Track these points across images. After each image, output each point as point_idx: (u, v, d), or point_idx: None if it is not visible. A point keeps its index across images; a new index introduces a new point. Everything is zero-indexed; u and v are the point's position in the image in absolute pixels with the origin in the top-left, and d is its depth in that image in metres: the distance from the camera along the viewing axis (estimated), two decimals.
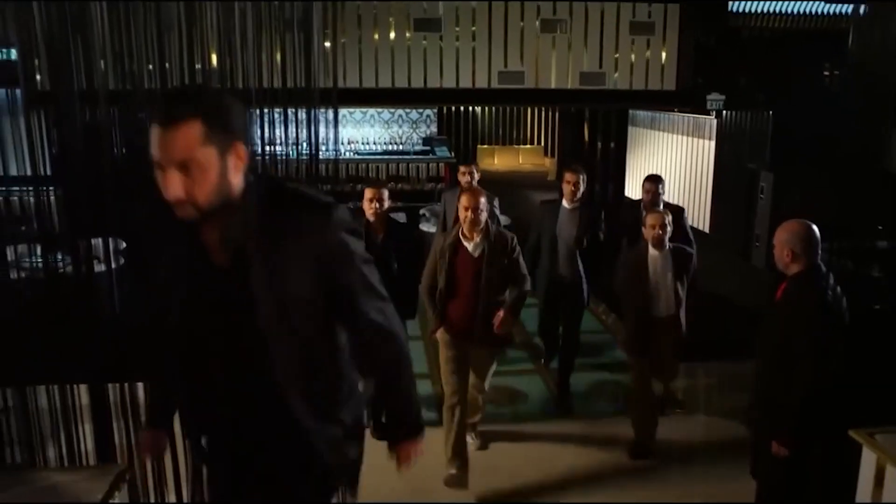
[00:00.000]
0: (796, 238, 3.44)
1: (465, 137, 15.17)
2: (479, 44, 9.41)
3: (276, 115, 3.80)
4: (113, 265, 3.74)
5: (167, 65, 3.78)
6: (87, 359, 3.63)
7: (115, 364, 3.67)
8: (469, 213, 4.56)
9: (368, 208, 5.08)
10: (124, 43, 3.65)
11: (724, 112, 10.83)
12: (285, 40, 3.87)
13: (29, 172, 3.69)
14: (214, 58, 3.81)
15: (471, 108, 15.75)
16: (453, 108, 14.44)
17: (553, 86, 9.38)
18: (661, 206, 6.04)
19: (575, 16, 9.28)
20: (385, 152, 13.99)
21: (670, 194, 8.75)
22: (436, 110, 14.89)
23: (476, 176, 7.06)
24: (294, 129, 3.74)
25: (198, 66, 3.83)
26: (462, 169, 7.21)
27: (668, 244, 5.05)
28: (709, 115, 11.15)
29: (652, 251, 5.03)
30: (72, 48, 3.53)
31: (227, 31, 3.75)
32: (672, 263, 5.02)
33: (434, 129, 14.71)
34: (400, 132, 14.56)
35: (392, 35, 9.32)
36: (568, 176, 6.07)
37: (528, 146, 18.80)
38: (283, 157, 3.81)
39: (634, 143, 14.46)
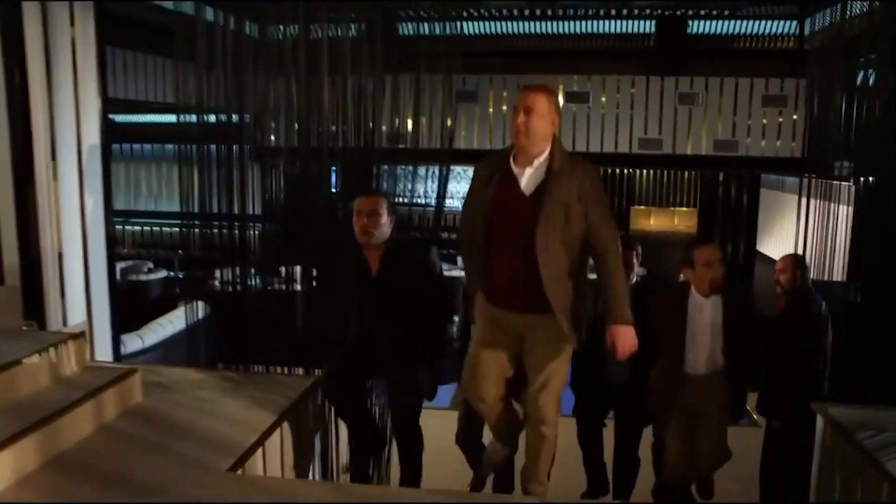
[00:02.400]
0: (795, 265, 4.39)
1: (619, 198, 16.39)
2: (623, 113, 10.73)
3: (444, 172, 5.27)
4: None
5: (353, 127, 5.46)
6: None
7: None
8: (520, 117, 2.92)
9: (358, 225, 3.63)
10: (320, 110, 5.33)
11: (862, 178, 11.26)
12: (457, 109, 5.40)
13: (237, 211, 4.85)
14: (384, 124, 5.44)
15: (626, 171, 16.97)
16: (609, 171, 15.73)
17: (689, 152, 10.46)
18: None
19: (710, 88, 10.36)
20: None
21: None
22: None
23: None
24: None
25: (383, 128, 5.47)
26: None
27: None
28: (846, 180, 11.58)
29: (696, 297, 3.79)
30: (291, 116, 5.28)
31: (412, 103, 5.39)
32: (726, 312, 3.77)
33: None
34: None
35: None
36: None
37: (684, 208, 19.52)
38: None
39: (767, 205, 14.92)
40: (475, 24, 10.72)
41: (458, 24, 10.60)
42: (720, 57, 10.25)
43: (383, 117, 5.58)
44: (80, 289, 4.41)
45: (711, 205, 14.61)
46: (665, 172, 19.22)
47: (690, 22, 9.97)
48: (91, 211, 4.49)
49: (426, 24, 6.98)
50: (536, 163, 2.97)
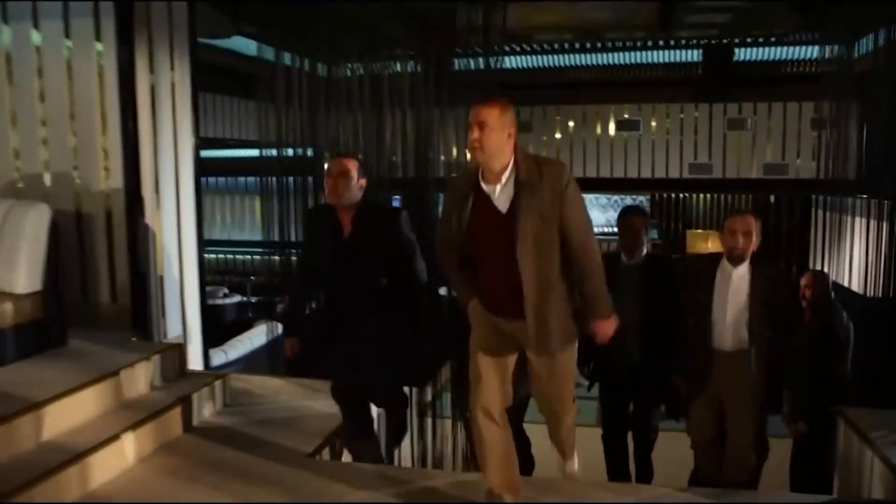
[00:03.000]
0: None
1: (674, 222, 16.57)
2: (673, 139, 11.06)
3: None
4: None
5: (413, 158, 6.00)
6: None
7: None
8: (474, 133, 2.82)
9: (328, 186, 3.57)
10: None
11: None
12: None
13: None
14: (442, 154, 5.95)
15: (681, 196, 17.11)
16: (664, 195, 15.93)
17: (738, 175, 10.72)
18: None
19: (759, 113, 10.61)
20: (601, 234, 15.83)
21: (856, 277, 9.42)
22: (648, 196, 16.45)
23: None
24: None
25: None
26: None
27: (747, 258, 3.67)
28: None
29: (725, 266, 3.67)
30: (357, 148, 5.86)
31: (467, 134, 5.89)
32: (752, 284, 3.62)
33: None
34: (615, 216, 16.32)
35: (598, 131, 11.33)
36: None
37: None
38: None
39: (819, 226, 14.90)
40: (528, 57, 11.20)
41: (512, 58, 11.16)
42: (768, 82, 10.53)
43: (441, 148, 6.08)
44: (176, 307, 5.00)
45: (763, 227, 14.69)
46: (721, 196, 19.28)
47: (737, 49, 10.25)
48: (186, 238, 5.09)
49: (481, 59, 7.52)
50: (504, 178, 2.83)
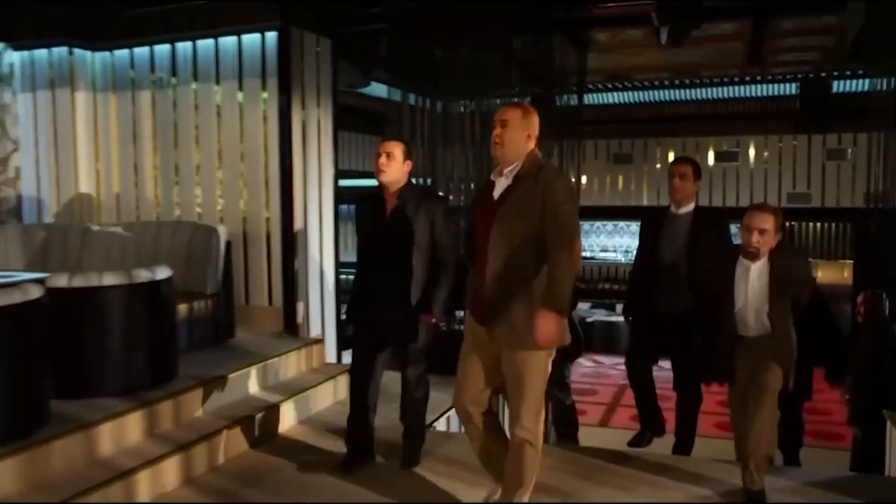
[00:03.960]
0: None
1: None
2: (771, 169, 11.39)
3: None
4: None
5: None
6: None
7: None
8: (497, 130, 3.03)
9: (375, 165, 3.78)
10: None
11: None
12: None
13: None
14: None
15: (788, 225, 17.09)
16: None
17: (837, 205, 10.93)
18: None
19: (858, 143, 10.81)
20: None
21: None
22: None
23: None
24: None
25: None
26: None
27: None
28: None
29: (743, 260, 3.58)
30: (468, 178, 6.67)
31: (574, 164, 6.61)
32: (774, 280, 3.54)
33: None
34: None
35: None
36: None
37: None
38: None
39: None
40: (629, 93, 11.84)
41: (613, 94, 11.81)
42: (865, 113, 10.66)
43: None
44: (317, 311, 5.95)
45: (866, 256, 14.55)
46: (827, 224, 19.06)
47: (834, 81, 10.54)
48: (326, 256, 6.04)
49: (584, 96, 8.18)
50: (507, 171, 3.01)
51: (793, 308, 3.57)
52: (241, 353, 4.90)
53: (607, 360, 11.69)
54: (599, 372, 11.30)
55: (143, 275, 4.00)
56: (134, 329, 3.93)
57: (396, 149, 3.74)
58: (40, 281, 3.54)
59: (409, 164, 3.78)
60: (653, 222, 4.28)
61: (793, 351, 3.60)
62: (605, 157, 12.54)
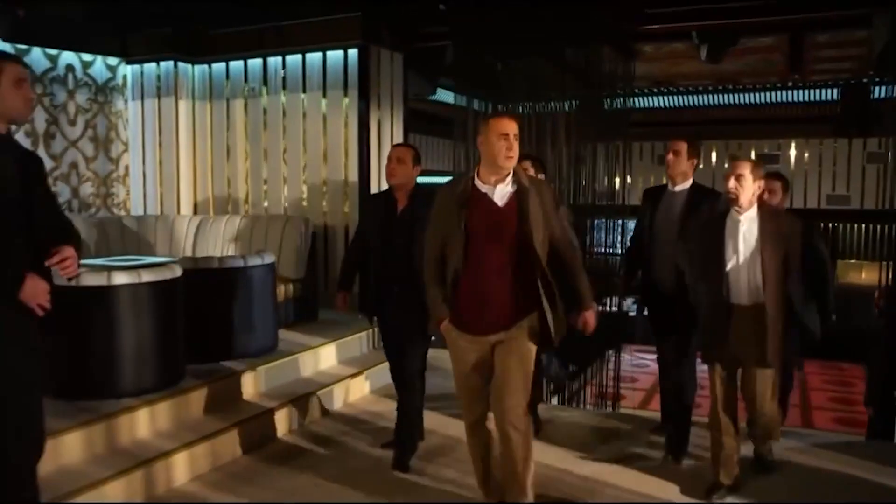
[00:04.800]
0: None
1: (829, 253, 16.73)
2: (811, 172, 11.80)
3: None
4: None
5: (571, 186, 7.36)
6: None
7: None
8: (510, 143, 3.05)
9: (387, 169, 4.02)
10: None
11: None
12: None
13: None
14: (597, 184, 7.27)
15: (829, 226, 17.33)
16: (819, 225, 16.14)
17: (877, 207, 11.26)
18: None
19: None
20: None
21: None
22: None
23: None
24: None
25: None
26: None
27: (752, 205, 3.49)
28: None
29: (733, 213, 3.53)
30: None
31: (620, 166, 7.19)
32: (766, 230, 3.46)
33: None
34: None
35: None
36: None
37: None
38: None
39: None
40: (673, 97, 12.31)
41: (658, 98, 12.31)
42: None
43: (597, 178, 7.37)
44: None
45: None
46: (873, 227, 19.20)
47: (874, 88, 10.85)
48: None
49: (634, 99, 8.64)
50: (508, 180, 3.07)
51: (786, 272, 3.46)
52: (324, 330, 5.65)
53: (648, 355, 12.22)
54: (639, 363, 11.85)
55: (254, 259, 4.78)
56: (248, 304, 4.70)
57: (406, 154, 3.98)
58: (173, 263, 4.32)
59: (417, 168, 3.99)
60: (651, 199, 4.25)
61: (782, 330, 3.49)
62: (651, 158, 13.07)
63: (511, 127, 3.05)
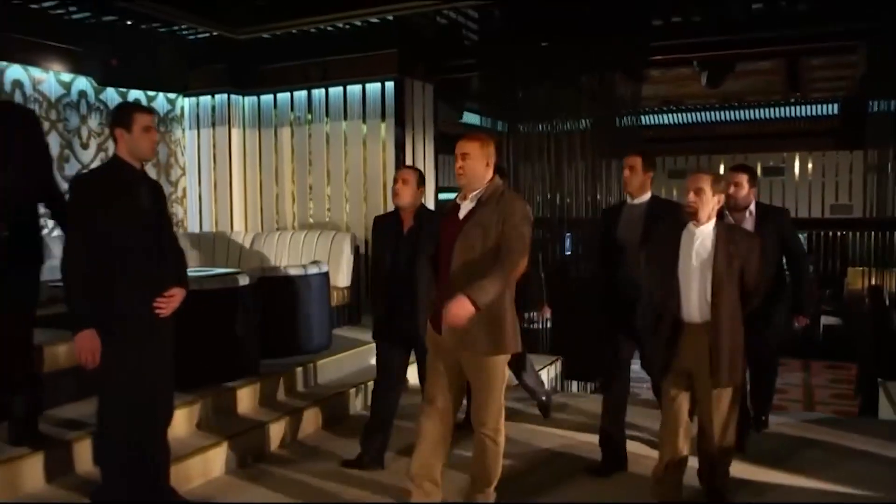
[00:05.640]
0: None
1: (832, 259, 17.28)
2: (815, 182, 12.42)
3: None
4: None
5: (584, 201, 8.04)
6: None
7: None
8: (459, 162, 3.27)
9: (393, 190, 4.15)
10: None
11: None
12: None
13: None
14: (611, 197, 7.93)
15: (838, 234, 17.81)
16: (821, 234, 16.61)
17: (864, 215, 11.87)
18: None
19: None
20: None
21: None
22: (805, 234, 17.50)
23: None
24: None
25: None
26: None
27: (711, 219, 3.43)
28: None
29: (689, 226, 3.46)
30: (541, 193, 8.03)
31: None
32: (720, 246, 3.38)
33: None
34: None
35: None
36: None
37: None
38: None
39: None
40: (682, 115, 12.97)
41: (668, 115, 12.98)
42: None
43: (609, 192, 8.00)
44: None
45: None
46: (881, 234, 19.58)
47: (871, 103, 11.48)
48: None
49: (644, 116, 9.28)
50: (471, 195, 3.26)
51: (742, 294, 3.41)
52: (368, 332, 6.31)
53: None
54: None
55: (313, 268, 5.50)
56: (308, 308, 5.42)
57: (411, 176, 4.09)
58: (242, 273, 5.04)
59: (422, 189, 4.12)
60: (611, 216, 4.24)
61: (739, 347, 3.40)
62: (662, 171, 13.73)
63: (460, 147, 3.26)
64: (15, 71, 6.25)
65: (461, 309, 3.03)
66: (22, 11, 5.96)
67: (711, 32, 6.49)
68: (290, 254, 6.81)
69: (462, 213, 3.27)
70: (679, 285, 3.40)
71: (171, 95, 7.68)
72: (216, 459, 4.04)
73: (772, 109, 12.26)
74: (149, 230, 3.25)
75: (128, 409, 3.16)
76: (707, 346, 3.33)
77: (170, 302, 3.25)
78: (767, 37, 6.44)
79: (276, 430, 4.50)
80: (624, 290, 4.03)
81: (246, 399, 4.65)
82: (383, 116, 7.11)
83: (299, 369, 5.14)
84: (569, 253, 7.91)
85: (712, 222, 3.39)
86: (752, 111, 12.48)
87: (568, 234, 8.09)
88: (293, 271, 5.37)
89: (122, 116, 3.21)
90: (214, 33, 6.79)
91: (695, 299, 3.38)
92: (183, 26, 6.64)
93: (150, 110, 3.35)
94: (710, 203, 3.36)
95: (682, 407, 3.48)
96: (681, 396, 3.46)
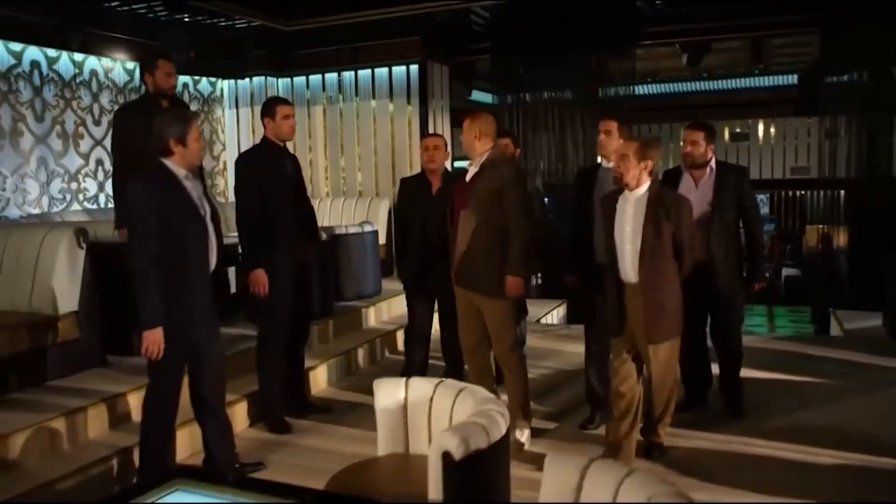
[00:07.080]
0: None
1: (792, 218, 18.56)
2: (777, 147, 13.67)
3: None
4: None
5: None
6: None
7: None
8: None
9: (425, 156, 4.62)
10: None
11: None
12: None
13: None
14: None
15: (797, 194, 19.05)
16: (783, 193, 17.64)
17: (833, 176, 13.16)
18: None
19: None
20: None
21: None
22: (768, 195, 18.77)
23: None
24: None
25: None
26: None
27: (641, 184, 3.54)
28: None
29: (625, 192, 3.58)
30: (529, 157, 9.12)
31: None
32: (648, 211, 3.49)
33: (766, 210, 18.70)
34: None
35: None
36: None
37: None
38: None
39: None
40: (657, 86, 14.05)
41: (645, 86, 14.04)
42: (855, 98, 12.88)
43: (589, 159, 9.09)
44: None
45: (860, 221, 16.58)
46: (840, 193, 21.02)
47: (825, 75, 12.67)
48: None
49: (621, 87, 10.31)
50: (475, 161, 3.85)
51: (677, 254, 3.54)
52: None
53: None
54: None
55: (367, 226, 6.54)
56: (365, 259, 6.47)
57: (441, 142, 4.72)
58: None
59: (448, 153, 4.88)
60: (586, 179, 4.23)
61: (673, 305, 3.55)
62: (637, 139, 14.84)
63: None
64: None
65: (512, 287, 3.76)
66: None
67: (694, 20, 7.63)
68: (331, 216, 7.82)
69: (468, 177, 3.88)
70: (616, 248, 3.60)
71: (213, 79, 8.58)
72: (321, 375, 5.14)
73: (738, 80, 13.35)
74: (292, 191, 4.22)
75: (282, 327, 4.20)
76: (641, 305, 3.52)
77: (307, 251, 4.27)
78: (742, 24, 7.60)
79: (361, 353, 5.63)
80: (597, 250, 4.09)
81: (330, 330, 5.72)
82: (408, 97, 8.11)
83: (364, 310, 6.21)
84: (550, 216, 8.71)
85: (644, 187, 3.52)
86: (720, 82, 13.57)
87: (546, 198, 8.71)
88: (353, 230, 6.41)
89: (267, 108, 4.19)
90: (264, 24, 7.64)
91: (629, 260, 3.55)
92: (241, 20, 7.51)
93: (288, 102, 4.32)
94: (636, 169, 3.49)
95: (631, 365, 3.67)
96: (626, 355, 3.67)
